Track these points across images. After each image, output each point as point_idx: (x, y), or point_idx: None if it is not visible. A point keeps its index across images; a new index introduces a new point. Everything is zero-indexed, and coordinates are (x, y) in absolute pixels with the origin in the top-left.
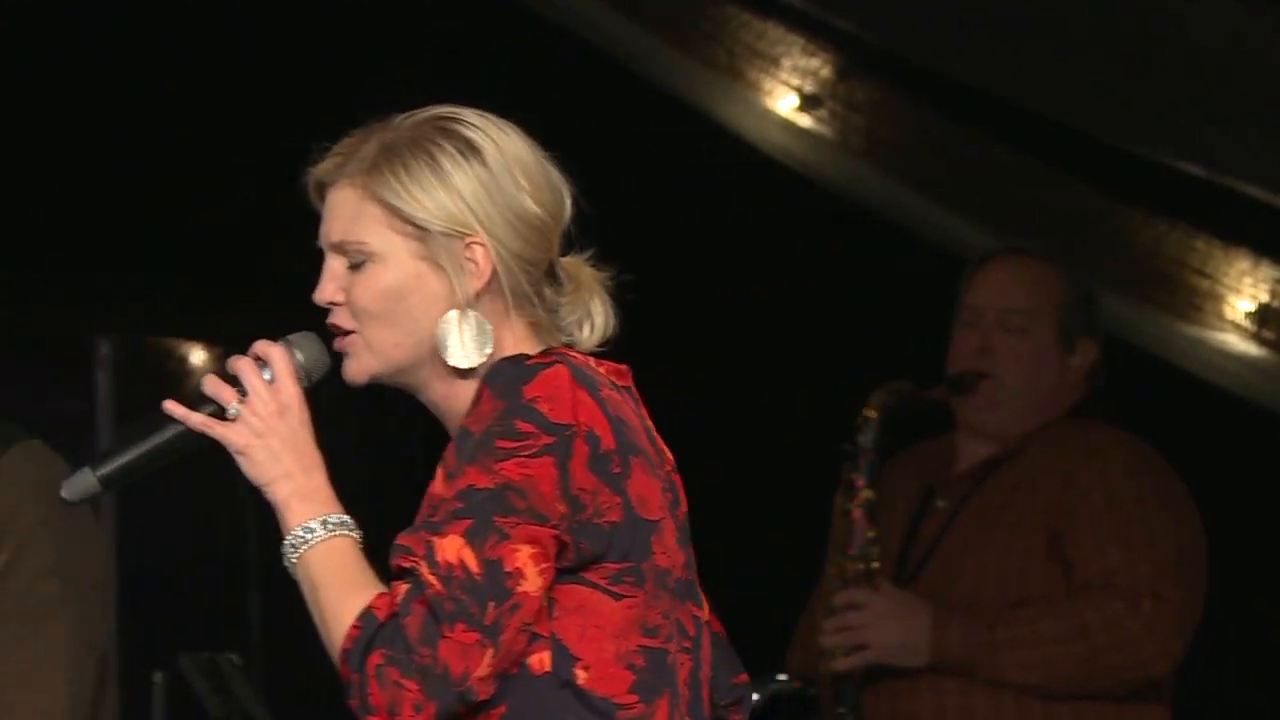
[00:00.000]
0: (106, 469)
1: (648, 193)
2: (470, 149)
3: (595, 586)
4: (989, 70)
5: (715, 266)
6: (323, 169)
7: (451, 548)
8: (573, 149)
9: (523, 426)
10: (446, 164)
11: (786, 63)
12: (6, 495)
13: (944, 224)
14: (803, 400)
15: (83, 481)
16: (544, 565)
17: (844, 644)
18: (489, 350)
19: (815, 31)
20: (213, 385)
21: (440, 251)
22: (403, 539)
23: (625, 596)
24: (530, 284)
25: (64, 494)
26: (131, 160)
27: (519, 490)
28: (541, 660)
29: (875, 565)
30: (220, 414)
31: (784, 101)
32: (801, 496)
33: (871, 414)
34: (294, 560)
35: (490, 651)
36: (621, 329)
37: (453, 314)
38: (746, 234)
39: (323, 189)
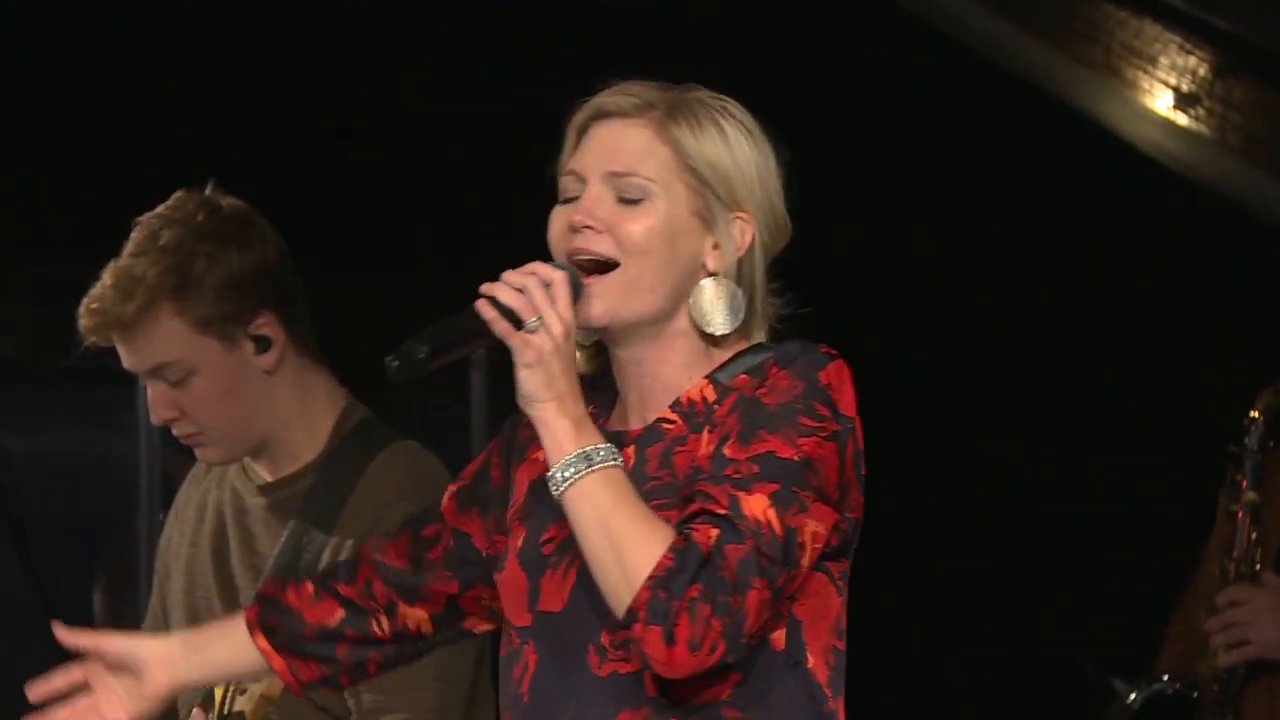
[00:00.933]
0: (424, 349)
1: (1024, 191)
2: (749, 133)
3: (831, 578)
4: None
5: (1092, 266)
6: (612, 100)
7: (759, 506)
8: (950, 150)
9: (821, 409)
10: (733, 137)
11: (1164, 61)
12: (378, 493)
13: None
14: (1182, 401)
15: (411, 356)
16: (818, 545)
17: (1226, 641)
18: (737, 324)
19: (1192, 29)
20: (513, 297)
21: (715, 214)
22: (704, 486)
23: (843, 594)
24: (760, 277)
25: (392, 363)
26: (488, 161)
27: (815, 468)
28: (780, 638)
29: (1258, 568)
30: (516, 324)
31: (1161, 100)
32: (1176, 499)
33: (1256, 415)
34: (573, 480)
35: (768, 614)
36: (1018, 324)
37: (712, 280)
38: (1124, 233)
39: (592, 122)
